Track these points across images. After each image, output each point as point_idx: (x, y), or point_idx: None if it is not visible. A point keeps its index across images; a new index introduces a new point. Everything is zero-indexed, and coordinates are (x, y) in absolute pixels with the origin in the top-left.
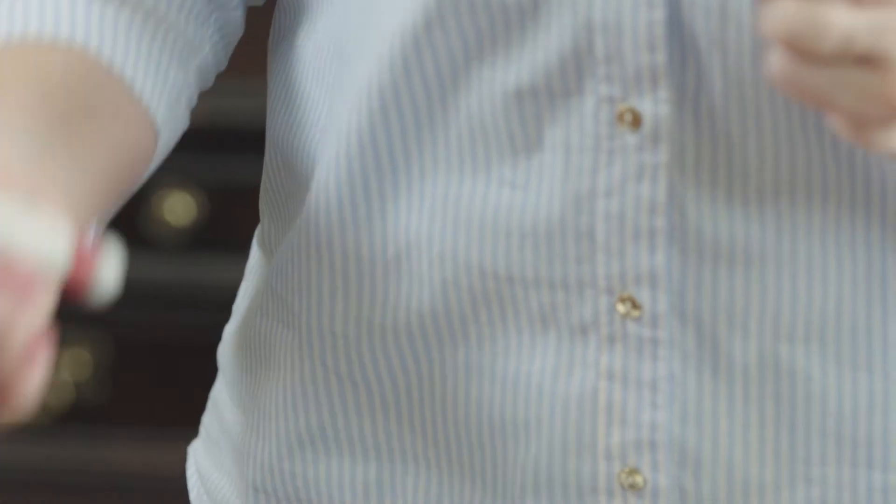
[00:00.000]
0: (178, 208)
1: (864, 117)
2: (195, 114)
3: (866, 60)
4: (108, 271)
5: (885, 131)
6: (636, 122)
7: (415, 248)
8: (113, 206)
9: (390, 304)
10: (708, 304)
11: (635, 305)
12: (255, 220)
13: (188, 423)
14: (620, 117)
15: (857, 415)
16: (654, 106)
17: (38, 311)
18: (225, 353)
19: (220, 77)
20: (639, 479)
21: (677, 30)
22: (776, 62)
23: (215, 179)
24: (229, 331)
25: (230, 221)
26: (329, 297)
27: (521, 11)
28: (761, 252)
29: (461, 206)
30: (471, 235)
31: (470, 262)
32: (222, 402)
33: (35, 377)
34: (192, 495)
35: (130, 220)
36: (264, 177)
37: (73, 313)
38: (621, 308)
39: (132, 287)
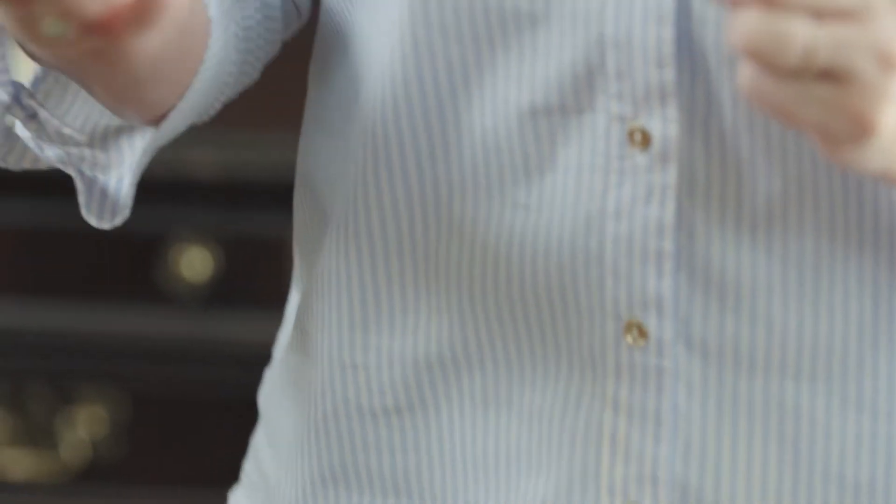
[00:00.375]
0: (196, 263)
1: (831, 132)
2: (211, 168)
3: (829, 74)
4: None
5: (856, 147)
6: (646, 141)
7: (432, 275)
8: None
9: (409, 332)
10: (714, 334)
11: (642, 333)
12: (272, 275)
13: (206, 480)
14: (631, 136)
15: (859, 459)
16: (664, 125)
17: None
18: (263, 395)
19: (238, 131)
20: None
21: (687, 47)
22: (744, 75)
23: (232, 234)
24: (268, 374)
25: (247, 277)
26: (348, 327)
27: (533, 20)
28: (768, 285)
29: (477, 230)
30: (486, 260)
31: (485, 287)
32: (260, 446)
33: None
34: None
35: (147, 275)
36: (295, 213)
37: (88, 370)
38: (628, 337)
39: (149, 343)
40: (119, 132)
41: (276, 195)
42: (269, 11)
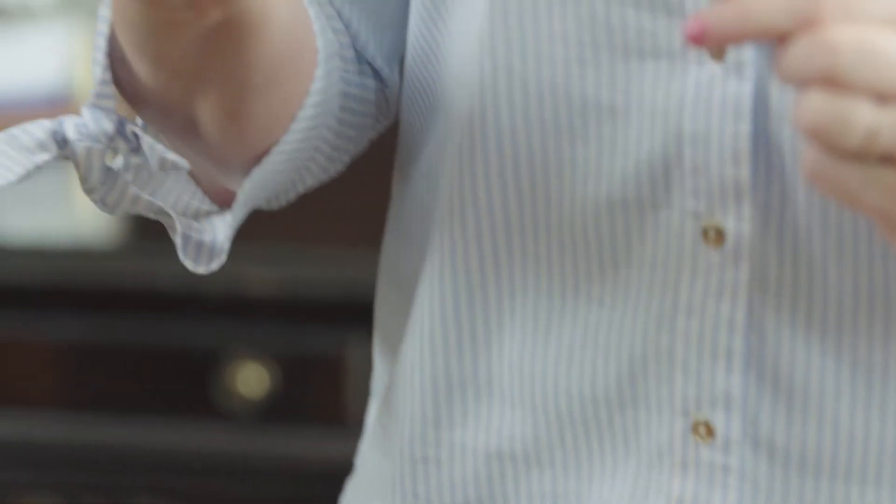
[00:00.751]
0: (252, 379)
1: (892, 217)
2: (268, 285)
3: (891, 159)
4: None
5: None
6: (719, 239)
7: (507, 370)
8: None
9: (482, 427)
10: (781, 434)
11: (709, 431)
12: (328, 392)
13: None
14: (705, 234)
15: None
16: (737, 223)
17: None
18: (342, 501)
19: (295, 247)
20: None
21: (763, 143)
22: (807, 156)
23: (289, 351)
24: (349, 484)
25: (304, 393)
26: (420, 421)
27: (613, 113)
28: (836, 389)
29: (552, 326)
30: (560, 356)
31: (558, 383)
32: None
33: None
34: None
35: (203, 391)
36: (376, 312)
37: (143, 485)
38: (696, 435)
39: (204, 458)
40: (209, 213)
41: (333, 312)
42: (365, 93)
